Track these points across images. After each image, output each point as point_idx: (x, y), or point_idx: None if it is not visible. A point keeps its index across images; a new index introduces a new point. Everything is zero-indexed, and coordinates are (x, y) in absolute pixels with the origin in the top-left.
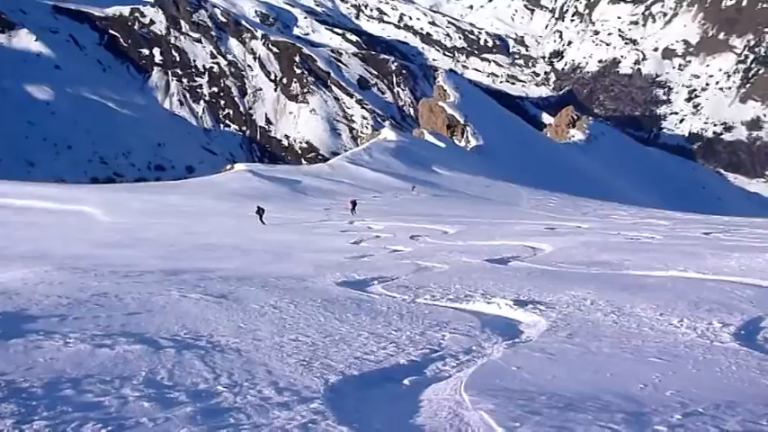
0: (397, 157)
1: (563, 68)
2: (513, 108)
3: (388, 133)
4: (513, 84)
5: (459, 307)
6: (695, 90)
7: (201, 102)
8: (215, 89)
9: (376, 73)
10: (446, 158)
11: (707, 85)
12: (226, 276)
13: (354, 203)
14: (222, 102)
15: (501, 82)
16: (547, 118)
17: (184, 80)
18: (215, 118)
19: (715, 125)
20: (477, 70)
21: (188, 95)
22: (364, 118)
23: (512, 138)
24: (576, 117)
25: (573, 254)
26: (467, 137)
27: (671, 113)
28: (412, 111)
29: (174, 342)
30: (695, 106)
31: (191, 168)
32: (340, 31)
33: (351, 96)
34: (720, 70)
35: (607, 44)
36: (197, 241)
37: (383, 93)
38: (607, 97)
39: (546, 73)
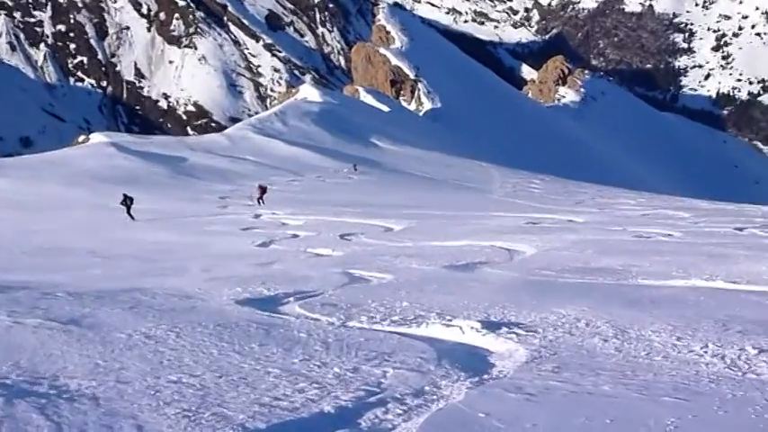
0: (321, 125)
1: (549, 4)
2: (482, 58)
3: (308, 91)
4: (483, 24)
5: (408, 332)
6: (725, 36)
7: (42, 46)
8: (61, 28)
9: (292, 7)
10: (390, 127)
11: (740, 29)
12: (78, 293)
13: (263, 190)
14: (72, 46)
15: (466, 21)
16: (528, 72)
17: (17, 15)
18: (62, 69)
19: (750, 83)
20: (432, 5)
21: (22, 37)
22: (276, 70)
23: (480, 99)
24: (567, 71)
25: (562, 258)
26: (418, 97)
27: (693, 67)
28: (342, 60)
29: (1, 388)
30: (725, 58)
31: (27, 141)
32: None
33: (257, 39)
34: (758, 9)
35: None
36: (37, 243)
37: (302, 35)
38: (609, 44)
39: (527, 10)
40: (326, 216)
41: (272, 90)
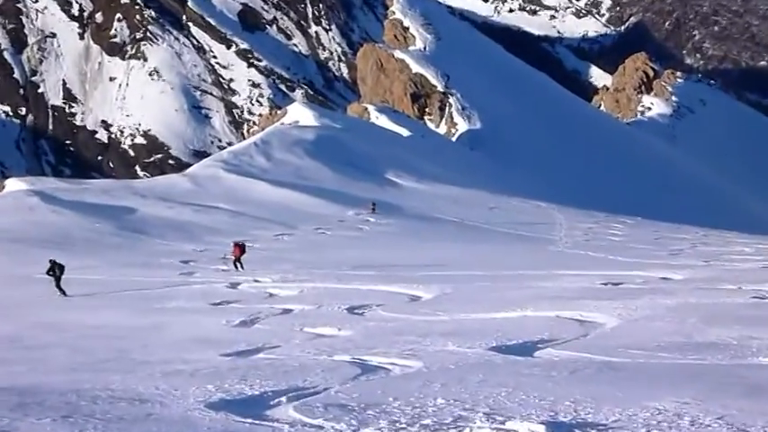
0: (318, 158)
1: None
2: (535, 59)
3: (300, 113)
4: (535, 14)
5: None
6: None
7: None
8: None
9: (275, 0)
10: (412, 157)
11: None
12: None
13: (241, 249)
14: None
15: (511, 11)
16: (599, 76)
17: None
18: None
19: None
20: None
21: None
22: (255, 85)
23: (534, 116)
24: (652, 73)
25: (655, 330)
26: (449, 116)
27: None
28: (345, 69)
29: None
30: None
31: None
32: None
33: (228, 45)
34: None
35: None
36: None
37: (289, 36)
38: (707, 35)
39: None
40: (330, 282)
41: (249, 113)
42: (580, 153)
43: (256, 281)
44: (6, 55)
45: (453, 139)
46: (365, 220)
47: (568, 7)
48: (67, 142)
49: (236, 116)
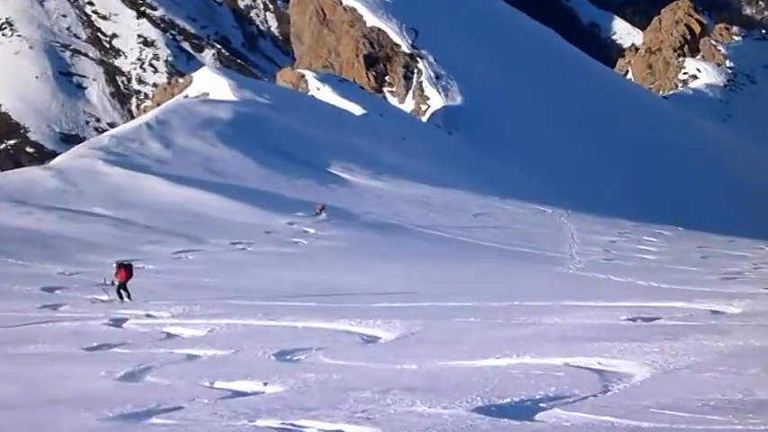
0: (235, 145)
1: None
2: (540, 9)
3: (210, 81)
4: None
5: None
6: None
7: None
8: None
9: None
10: (366, 143)
11: None
12: None
13: (127, 272)
14: None
15: None
16: (625, 31)
17: None
18: None
19: None
20: None
21: None
22: (148, 43)
23: (537, 87)
24: (697, 27)
25: (702, 384)
26: (418, 87)
27: None
28: (273, 22)
29: None
30: None
31: None
32: None
33: None
34: None
35: None
36: None
37: None
38: None
39: None
40: (252, 318)
41: (140, 81)
42: (599, 139)
43: (149, 316)
44: None
45: (424, 118)
46: (302, 232)
47: None
48: None
49: (122, 86)
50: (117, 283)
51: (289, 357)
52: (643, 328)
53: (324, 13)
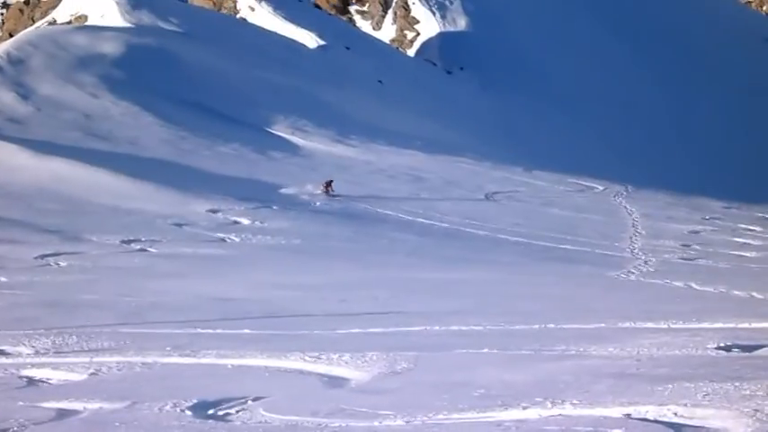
0: (128, 94)
1: None
2: None
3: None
4: None
5: None
6: None
7: None
8: None
9: None
10: (327, 90)
11: None
12: None
13: None
14: None
15: None
16: None
17: None
18: None
19: None
20: None
21: None
22: None
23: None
24: None
25: None
26: (402, 5)
27: None
28: None
29: None
30: None
31: None
32: None
33: None
34: None
35: None
36: None
37: None
38: None
39: None
40: (155, 353)
41: None
42: (675, 81)
43: (0, 353)
44: None
45: (411, 51)
46: (232, 223)
47: None
48: None
49: None
50: None
51: (212, 413)
52: (741, 361)
53: None
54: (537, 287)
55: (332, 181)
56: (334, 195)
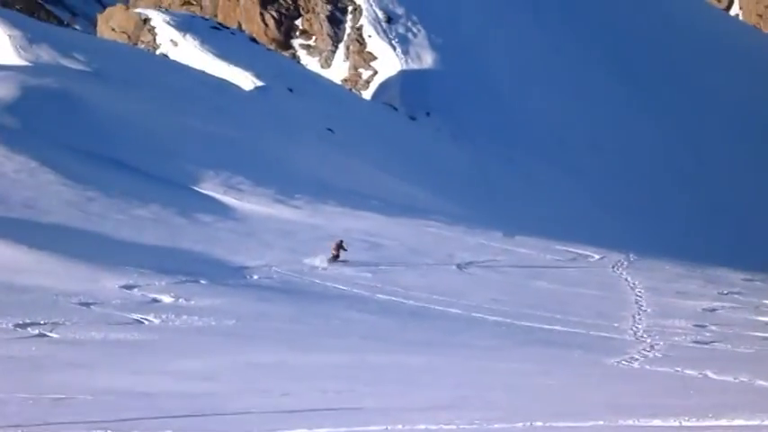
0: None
1: None
2: None
3: None
4: None
5: None
6: None
7: None
8: None
9: None
10: (266, 140)
11: None
12: None
13: None
14: None
15: None
16: None
17: None
18: None
19: None
20: None
21: None
22: None
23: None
24: None
25: None
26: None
27: None
28: None
29: None
30: None
31: None
32: None
33: None
34: None
35: None
36: None
37: None
38: None
39: None
40: None
41: None
42: (682, 124)
43: None
44: None
45: (366, 94)
46: (150, 301)
47: None
48: None
49: None
50: None
51: None
52: None
53: None
54: (520, 377)
55: (342, 241)
56: (342, 261)
